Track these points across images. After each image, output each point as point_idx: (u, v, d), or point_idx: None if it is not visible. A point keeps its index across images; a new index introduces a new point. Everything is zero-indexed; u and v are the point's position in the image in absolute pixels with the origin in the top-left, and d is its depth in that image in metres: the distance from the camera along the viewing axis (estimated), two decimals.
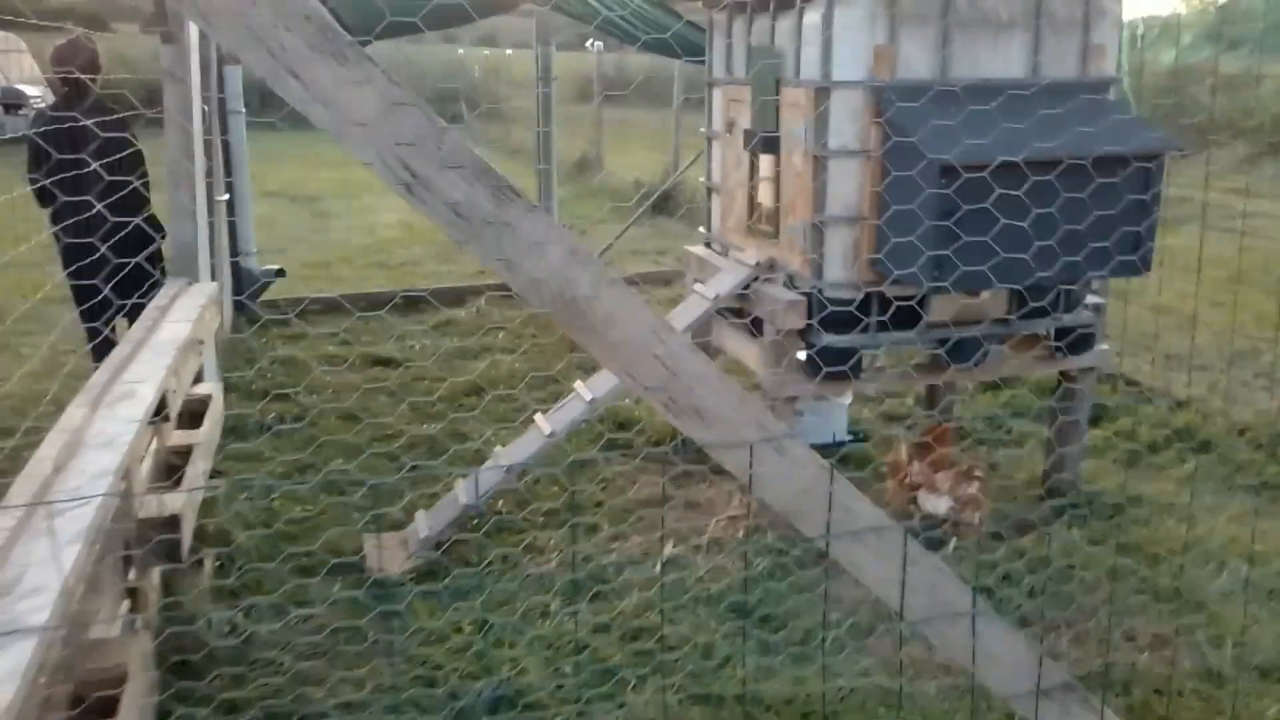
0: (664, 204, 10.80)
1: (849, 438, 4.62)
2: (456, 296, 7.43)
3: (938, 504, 3.70)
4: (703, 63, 5.91)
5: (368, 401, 5.25)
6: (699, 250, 4.42)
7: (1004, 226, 3.08)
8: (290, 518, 3.94)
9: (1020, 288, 3.46)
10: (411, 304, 7.24)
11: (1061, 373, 3.94)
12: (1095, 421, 4.73)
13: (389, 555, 3.63)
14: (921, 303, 3.46)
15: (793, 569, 3.49)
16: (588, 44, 12.20)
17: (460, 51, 23.26)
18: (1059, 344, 3.75)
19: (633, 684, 2.89)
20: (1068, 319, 3.69)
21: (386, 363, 5.92)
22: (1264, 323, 5.48)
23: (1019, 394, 5.22)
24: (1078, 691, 1.20)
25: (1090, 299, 3.79)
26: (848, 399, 4.63)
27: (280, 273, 7.02)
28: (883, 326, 3.49)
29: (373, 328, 6.66)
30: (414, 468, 4.43)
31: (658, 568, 3.55)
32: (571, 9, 5.51)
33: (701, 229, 4.58)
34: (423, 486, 4.20)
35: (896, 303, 3.35)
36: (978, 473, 3.76)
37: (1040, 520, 3.79)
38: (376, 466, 4.45)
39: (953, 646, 1.12)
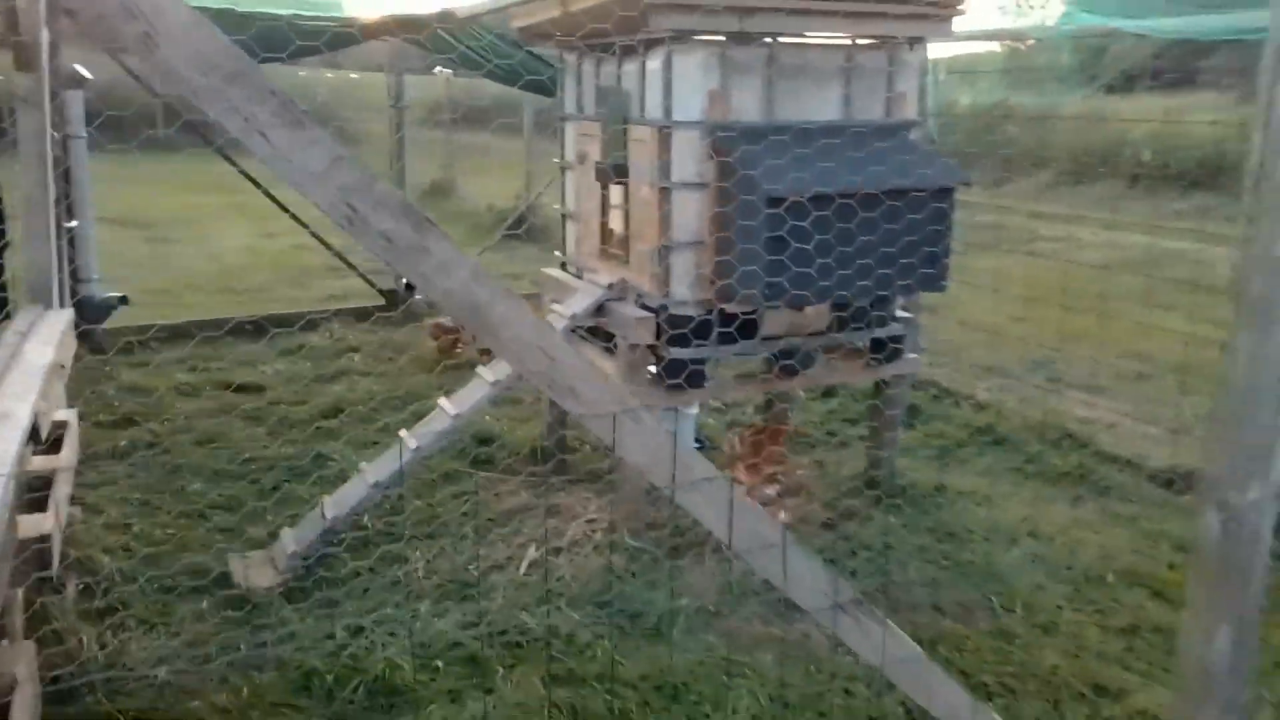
0: (518, 228, 11.05)
1: (697, 445, 4.99)
2: (309, 321, 7.44)
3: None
4: (544, 92, 6.22)
5: (224, 427, 5.26)
6: (555, 273, 4.71)
7: (824, 249, 3.51)
8: (152, 540, 3.97)
9: (839, 303, 3.91)
10: (263, 330, 7.21)
11: (878, 379, 4.43)
12: (909, 423, 5.28)
13: (257, 572, 3.73)
14: (756, 317, 3.87)
15: (648, 564, 3.80)
16: (435, 70, 12.32)
17: (302, 74, 22.83)
18: (875, 354, 4.23)
19: (500, 673, 3.13)
20: (881, 331, 4.18)
21: (241, 388, 5.91)
22: (1056, 333, 6.22)
23: (844, 401, 5.75)
24: (865, 606, 1.54)
25: (901, 314, 4.29)
26: (694, 409, 5.00)
27: (123, 300, 6.87)
28: (724, 340, 3.87)
29: (224, 354, 6.61)
30: (275, 489, 4.51)
31: (522, 570, 3.79)
32: (433, 44, 5.72)
33: (557, 253, 4.88)
34: (286, 507, 4.29)
35: (737, 318, 3.74)
36: (780, 478, 4.12)
37: (862, 509, 4.24)
38: (236, 490, 4.50)
39: (768, 571, 1.44)
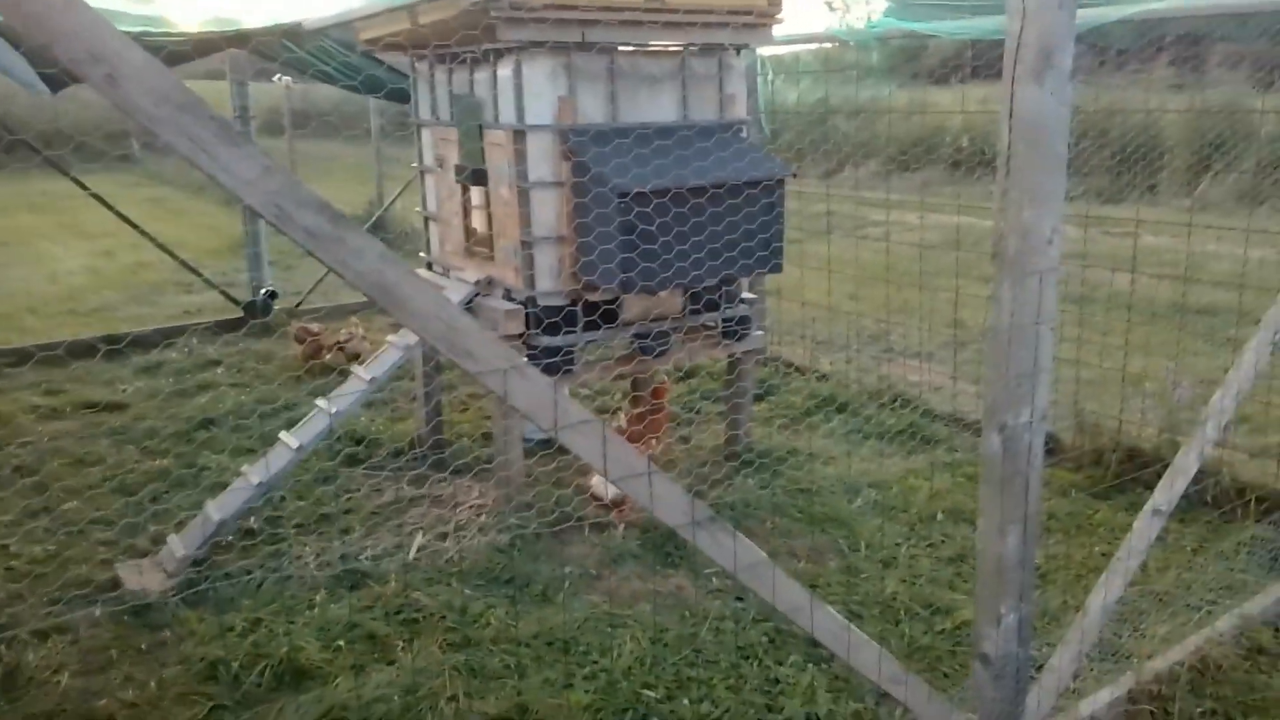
0: (373, 234, 11.06)
1: None
2: (164, 336, 7.33)
3: (606, 488, 4.22)
4: (397, 100, 6.38)
5: (90, 446, 5.22)
6: (421, 273, 4.91)
7: (671, 239, 3.88)
8: (33, 559, 3.98)
9: (687, 287, 4.28)
10: (116, 349, 7.07)
11: (730, 357, 4.84)
12: (761, 396, 5.75)
13: (147, 577, 3.81)
14: (616, 305, 4.20)
15: (530, 540, 4.08)
16: (275, 78, 12.14)
17: None
18: (725, 334, 4.64)
19: (400, 646, 3.35)
20: (729, 312, 4.59)
21: (102, 407, 5.84)
22: (886, 309, 6.82)
23: (703, 380, 6.17)
24: (718, 520, 1.88)
25: (746, 295, 4.71)
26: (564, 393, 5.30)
27: None
28: (589, 327, 4.18)
29: (79, 375, 6.47)
30: (154, 500, 4.55)
31: (412, 554, 4.01)
32: (285, 59, 5.78)
33: (422, 254, 5.08)
34: (166, 518, 4.34)
35: (599, 306, 4.06)
36: (645, 449, 4.45)
37: (725, 476, 4.65)
38: (113, 505, 4.52)
39: (639, 495, 1.76)
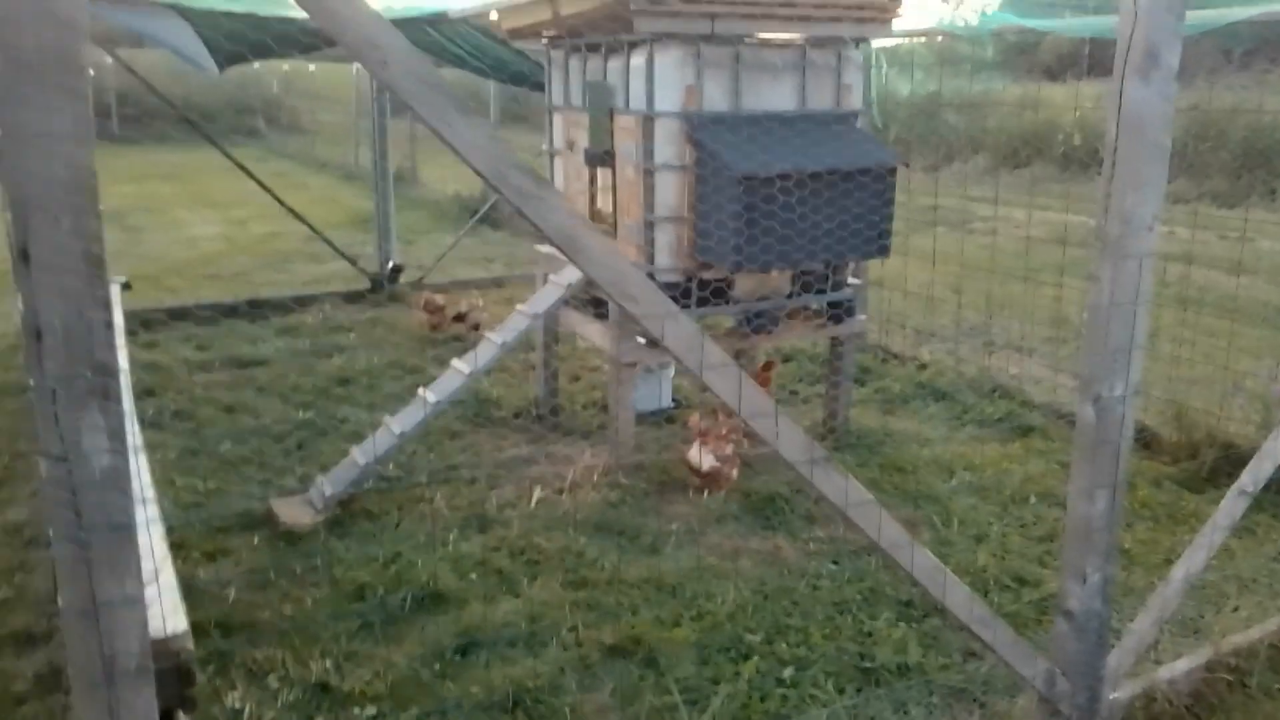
0: (485, 215, 11.54)
1: (672, 404, 5.59)
2: (299, 302, 7.89)
3: (703, 459, 4.43)
4: (521, 83, 6.74)
5: (240, 396, 5.74)
6: (546, 249, 5.27)
7: (786, 222, 4.12)
8: (195, 491, 4.47)
9: (796, 268, 4.52)
10: (256, 311, 7.66)
11: (832, 339, 5.06)
12: (860, 380, 5.94)
13: (298, 511, 4.25)
14: (729, 283, 4.47)
15: (639, 497, 4.39)
16: None
17: (256, 65, 23.04)
18: (830, 315, 4.86)
19: (524, 582, 3.70)
20: (834, 295, 4.81)
21: (247, 364, 6.37)
22: (988, 304, 6.91)
23: (801, 363, 6.39)
24: (834, 462, 2.14)
25: (852, 280, 4.92)
26: (671, 371, 5.60)
27: (126, 285, 7.27)
28: (701, 302, 4.46)
29: (224, 333, 7.05)
30: (299, 446, 5.02)
31: (532, 504, 4.36)
32: (422, 43, 6.21)
33: None
34: (310, 461, 4.79)
35: (712, 283, 4.34)
36: (734, 436, 4.66)
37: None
38: (262, 448, 5.00)
39: (765, 432, 2.03)
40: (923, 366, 6.27)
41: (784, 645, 3.26)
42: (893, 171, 4.33)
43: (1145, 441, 4.87)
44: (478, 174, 1.68)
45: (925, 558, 2.39)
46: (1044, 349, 6.67)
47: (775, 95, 4.42)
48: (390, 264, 8.29)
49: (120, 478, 1.49)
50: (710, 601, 3.51)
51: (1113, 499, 2.57)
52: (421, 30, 6.03)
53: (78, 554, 1.49)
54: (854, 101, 4.60)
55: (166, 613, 1.75)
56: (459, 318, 7.11)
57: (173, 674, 1.68)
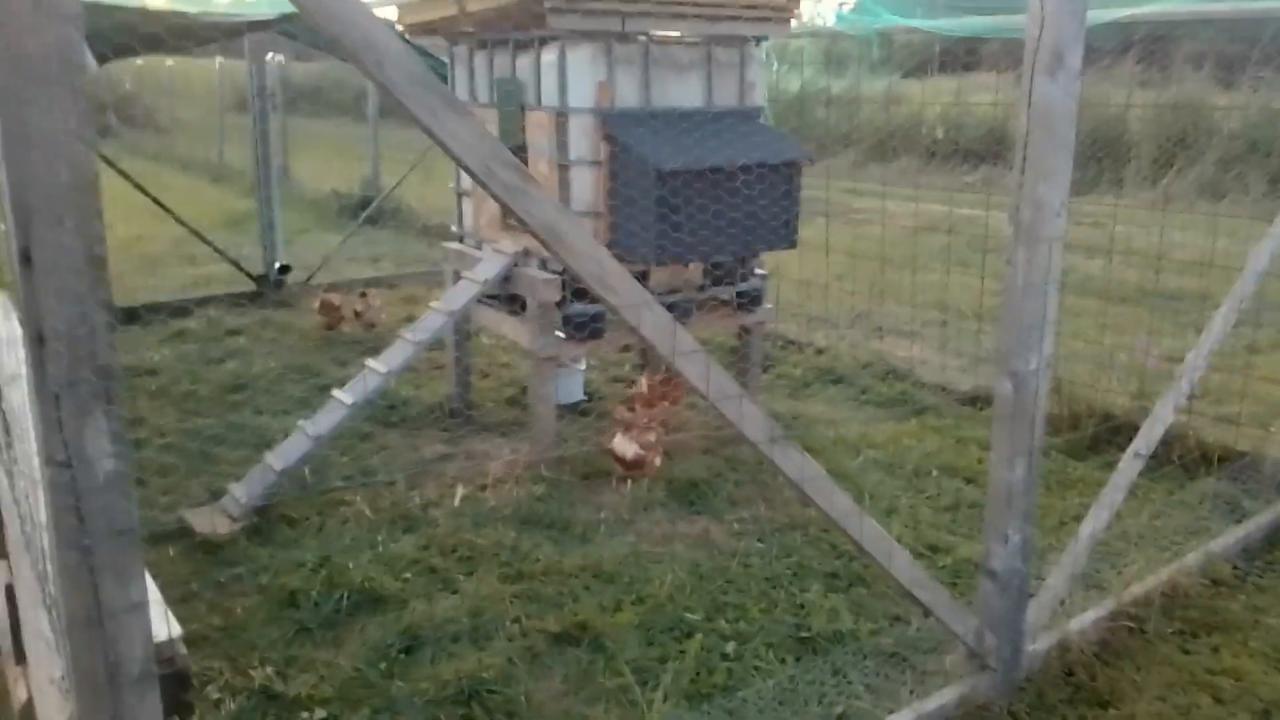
0: (367, 211, 11.32)
1: (585, 398, 5.65)
2: (182, 306, 7.58)
3: (626, 448, 4.51)
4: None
5: (130, 407, 5.49)
6: (455, 246, 5.25)
7: (701, 215, 4.25)
8: None
9: (711, 260, 4.66)
10: (132, 318, 7.31)
11: (740, 328, 5.23)
12: (764, 368, 6.14)
13: (215, 521, 4.12)
14: (644, 275, 4.56)
15: (565, 489, 4.44)
16: (269, 56, 12.30)
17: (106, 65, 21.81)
18: (740, 303, 5.02)
19: (461, 579, 3.71)
20: (744, 285, 4.97)
21: (135, 373, 6.09)
22: (871, 290, 7.24)
23: (710, 352, 6.55)
24: (791, 441, 2.27)
25: (758, 270, 5.09)
26: (582, 366, 5.67)
27: None
28: None
29: None
30: (203, 454, 4.85)
31: (457, 501, 4.36)
32: (308, 39, 6.05)
33: (453, 228, 5.41)
34: (218, 472, 4.64)
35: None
36: (655, 425, 4.75)
37: (733, 436, 5.03)
38: (164, 459, 4.81)
39: (730, 414, 2.14)
40: (820, 352, 6.53)
41: (723, 622, 3.39)
42: (797, 165, 4.51)
43: None
44: (465, 170, 1.72)
45: (873, 527, 2.54)
46: (928, 332, 7.03)
47: (683, 92, 4.54)
48: (278, 264, 8.04)
49: (123, 482, 1.48)
50: (648, 585, 3.60)
51: (1030, 465, 2.80)
52: (307, 26, 5.89)
53: (82, 561, 1.46)
54: (757, 98, 4.77)
55: (157, 617, 1.72)
56: (356, 316, 6.99)
57: (171, 680, 1.66)
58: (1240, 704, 2.96)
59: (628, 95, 4.39)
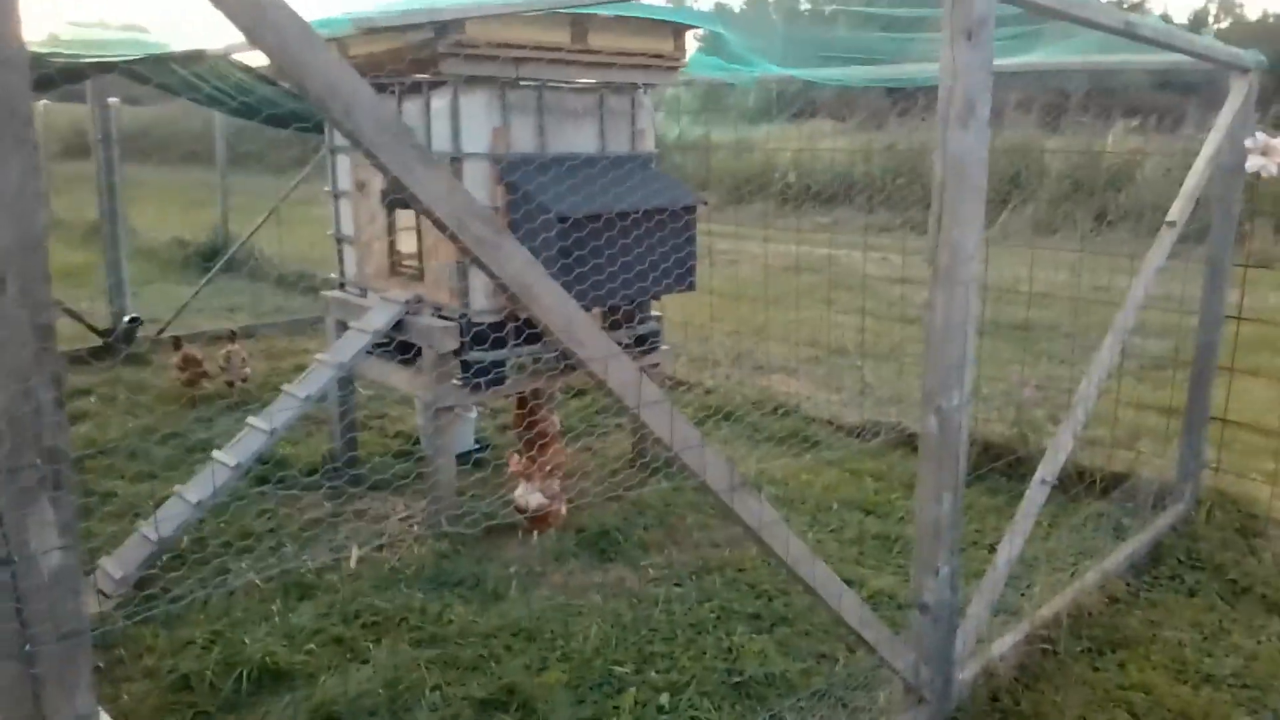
0: (215, 261, 10.77)
1: (477, 445, 5.49)
2: None
3: (530, 498, 4.37)
4: (281, 125, 6.42)
5: None
6: (337, 294, 5.03)
7: (601, 260, 4.22)
8: None
9: (613, 304, 4.63)
10: None
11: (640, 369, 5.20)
12: None
13: (84, 600, 3.75)
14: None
15: (471, 544, 4.28)
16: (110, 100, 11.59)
17: None
18: (638, 347, 5.01)
19: (370, 648, 3.49)
20: (641, 328, 4.97)
21: None
22: (747, 330, 7.40)
23: (596, 397, 6.51)
24: (749, 487, 2.24)
25: (654, 313, 5.10)
26: (474, 413, 5.51)
27: None
28: (520, 342, 4.45)
29: None
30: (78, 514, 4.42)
31: (353, 564, 4.12)
32: (171, 84, 5.71)
33: (332, 274, 5.18)
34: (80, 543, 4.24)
35: (528, 323, 4.34)
36: (557, 473, 4.64)
37: (636, 481, 4.99)
38: None
39: (694, 465, 2.10)
40: (708, 392, 6.59)
41: (654, 673, 3.32)
42: (693, 209, 4.56)
43: (913, 447, 5.41)
44: (436, 222, 1.63)
45: (824, 570, 2.54)
46: (806, 369, 7.22)
47: (578, 138, 4.52)
48: (127, 318, 7.51)
49: (71, 578, 1.30)
50: (572, 640, 3.49)
51: (956, 499, 2.87)
52: (169, 70, 5.57)
53: (22, 672, 1.27)
54: (648, 144, 4.80)
55: None
56: (221, 371, 6.58)
57: None
58: (1152, 717, 3.11)
59: (522, 140, 4.33)
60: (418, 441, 5.60)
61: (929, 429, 2.81)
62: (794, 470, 5.22)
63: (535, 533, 4.37)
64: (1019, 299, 7.19)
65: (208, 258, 11.14)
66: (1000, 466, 5.06)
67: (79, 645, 1.31)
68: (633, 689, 3.20)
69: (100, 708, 1.36)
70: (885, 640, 2.76)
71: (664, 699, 3.17)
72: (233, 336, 6.55)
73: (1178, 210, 3.76)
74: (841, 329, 7.51)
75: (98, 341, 7.47)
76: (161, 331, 7.86)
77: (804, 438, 5.72)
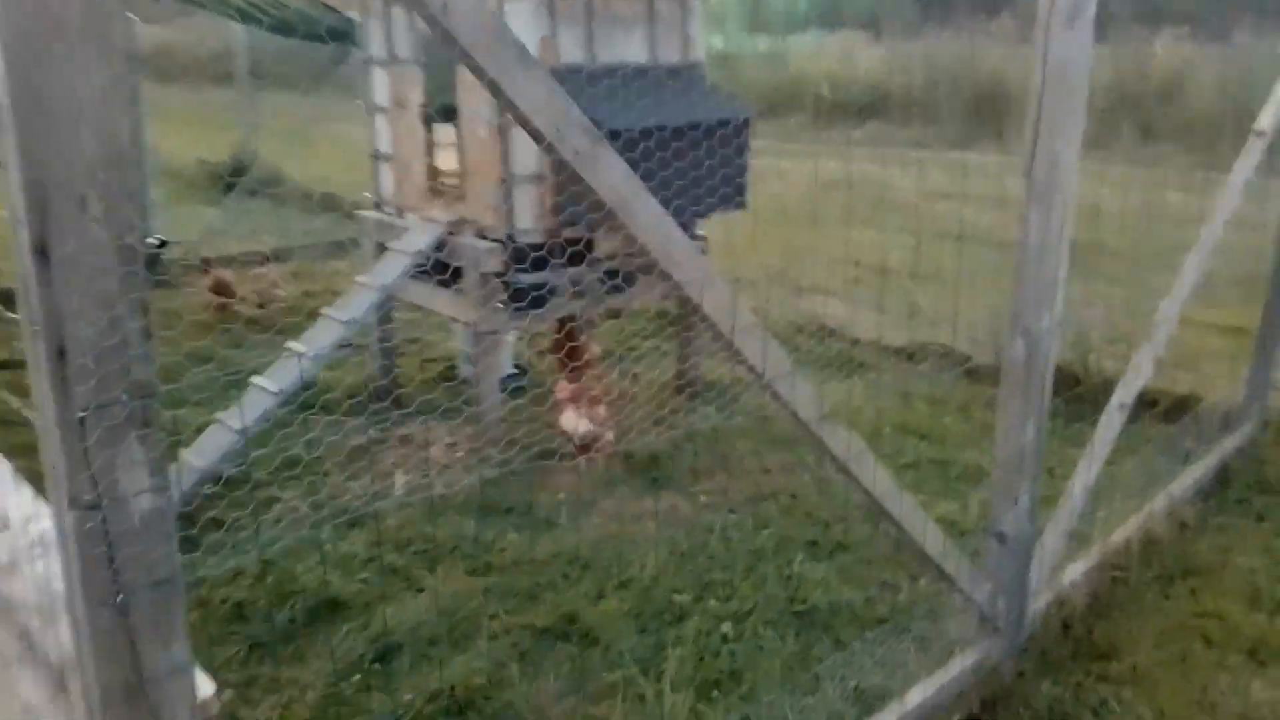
0: (238, 181, 10.57)
1: (515, 371, 5.39)
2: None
3: (576, 423, 4.31)
4: (320, 41, 6.18)
5: (5, 409, 4.92)
6: (374, 214, 4.88)
7: (653, 176, 4.04)
8: None
9: None
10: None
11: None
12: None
13: None
14: (589, 243, 4.34)
15: (519, 472, 4.21)
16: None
17: None
18: None
19: (425, 576, 3.45)
20: None
21: (11, 365, 5.48)
22: (783, 248, 7.18)
23: (627, 321, 6.38)
24: (836, 419, 2.15)
25: (699, 233, 4.93)
26: (512, 337, 5.40)
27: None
28: (566, 264, 4.30)
29: None
30: None
31: (399, 491, 4.07)
32: (208, 4, 5.49)
33: (366, 194, 5.03)
34: None
35: (574, 244, 4.19)
36: (605, 396, 4.55)
37: (682, 405, 4.90)
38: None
39: (784, 391, 2.00)
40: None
41: (714, 601, 3.26)
42: (748, 124, 4.35)
43: (966, 370, 5.28)
44: (533, 133, 1.49)
45: (909, 502, 2.44)
46: (844, 290, 7.04)
47: (627, 47, 4.30)
48: (154, 240, 7.38)
49: (164, 521, 1.20)
50: (629, 569, 3.43)
51: (1039, 426, 2.75)
52: None
53: (117, 622, 1.18)
54: (698, 53, 4.57)
55: None
56: (253, 295, 6.48)
57: None
58: (1230, 646, 3.03)
59: (571, 51, 4.12)
60: (454, 366, 5.51)
61: (1015, 353, 2.67)
62: (843, 395, 5.10)
63: (583, 460, 4.29)
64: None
65: (229, 179, 10.96)
66: (1061, 390, 4.91)
67: (172, 592, 1.21)
68: (695, 618, 3.14)
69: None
70: (965, 572, 2.67)
71: (727, 628, 3.12)
72: (265, 260, 6.42)
73: (1270, 118, 3.55)
74: (881, 249, 7.30)
75: None
76: (189, 255, 7.72)
77: (852, 361, 5.58)
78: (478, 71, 1.40)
